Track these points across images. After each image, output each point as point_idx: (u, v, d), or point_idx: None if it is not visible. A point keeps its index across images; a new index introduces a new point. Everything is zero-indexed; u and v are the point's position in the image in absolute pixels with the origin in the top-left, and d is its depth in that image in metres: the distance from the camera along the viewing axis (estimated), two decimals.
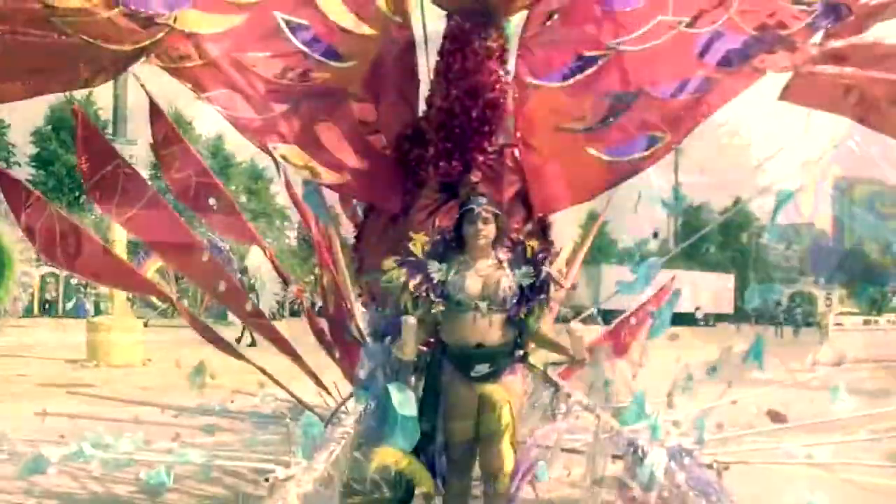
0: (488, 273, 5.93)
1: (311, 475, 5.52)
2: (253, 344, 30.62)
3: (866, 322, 38.28)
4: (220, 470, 8.81)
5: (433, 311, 5.89)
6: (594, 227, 11.85)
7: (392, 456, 5.67)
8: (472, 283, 5.88)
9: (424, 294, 5.87)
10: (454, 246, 6.07)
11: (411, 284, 5.89)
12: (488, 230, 5.94)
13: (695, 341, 8.80)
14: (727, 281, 76.30)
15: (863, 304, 55.34)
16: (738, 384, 8.95)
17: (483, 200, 6.00)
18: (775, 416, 8.43)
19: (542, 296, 5.97)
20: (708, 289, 55.24)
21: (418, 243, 6.07)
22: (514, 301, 5.91)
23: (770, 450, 7.91)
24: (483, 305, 5.86)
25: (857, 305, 56.94)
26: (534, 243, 6.15)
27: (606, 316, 11.22)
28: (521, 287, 5.94)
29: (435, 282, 5.92)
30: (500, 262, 6.01)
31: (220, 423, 9.43)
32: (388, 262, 6.07)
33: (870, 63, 7.04)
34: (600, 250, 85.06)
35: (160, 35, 6.48)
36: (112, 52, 6.43)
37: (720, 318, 66.24)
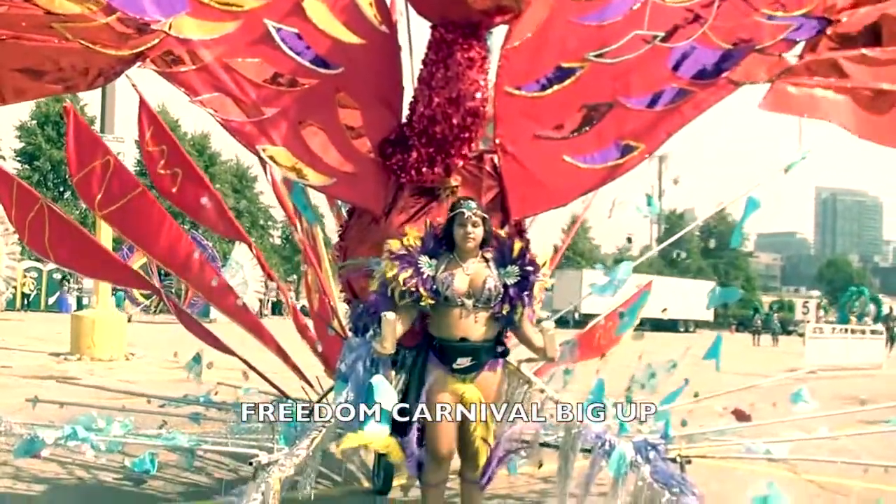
0: (475, 272, 6.22)
1: (292, 461, 5.81)
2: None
3: (844, 331, 38.39)
4: (201, 460, 9.08)
5: (422, 304, 6.15)
6: (572, 231, 12.15)
7: (370, 438, 5.91)
8: (460, 281, 6.16)
9: (414, 287, 6.14)
10: (443, 244, 6.37)
11: (402, 277, 6.15)
12: (476, 233, 6.24)
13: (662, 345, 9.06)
14: (708, 288, 76.30)
15: (842, 313, 55.57)
16: (705, 386, 9.24)
17: (473, 205, 6.29)
18: (740, 415, 8.72)
19: (526, 294, 6.25)
20: (688, 296, 55.38)
21: (411, 238, 6.36)
22: (499, 299, 6.20)
23: (732, 446, 8.19)
24: (469, 303, 6.15)
25: (837, 314, 57.15)
26: (520, 243, 6.44)
27: (586, 320, 11.50)
28: (504, 285, 6.23)
29: (425, 276, 6.19)
30: (486, 260, 6.31)
31: (205, 413, 9.66)
32: (391, 245, 6.34)
33: (852, 72, 7.30)
34: (583, 255, 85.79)
35: (155, 41, 6.74)
36: (109, 57, 6.69)
37: (700, 325, 66.52)
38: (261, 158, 7.09)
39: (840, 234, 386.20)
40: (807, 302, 76.51)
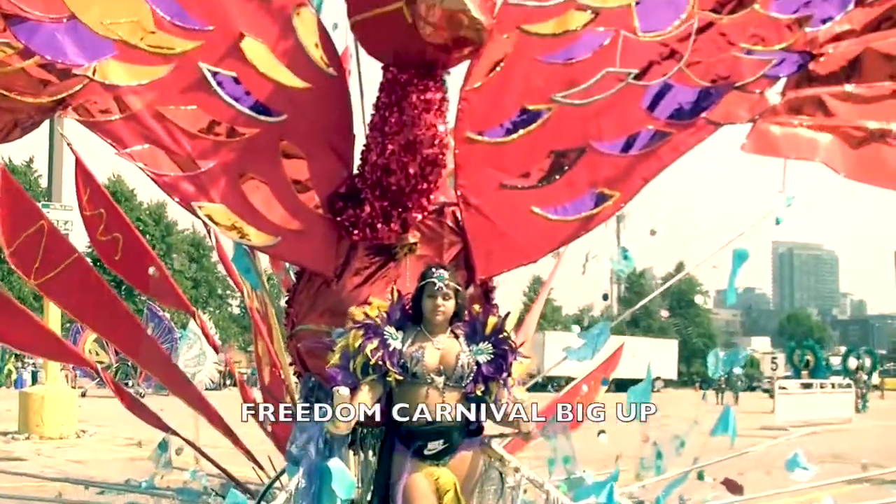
0: (446, 347, 5.70)
1: None
2: None
3: (806, 386, 38.36)
4: None
5: (388, 379, 5.59)
6: (542, 291, 11.56)
7: None
8: (430, 356, 5.63)
9: (381, 361, 5.56)
10: (410, 316, 5.83)
11: (368, 349, 5.56)
12: (447, 306, 5.72)
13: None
14: (671, 347, 76.62)
15: (794, 368, 55.84)
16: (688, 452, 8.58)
17: (445, 275, 5.76)
18: (732, 487, 8.04)
19: (503, 374, 5.72)
20: (652, 355, 55.12)
21: (375, 308, 5.77)
22: (471, 378, 5.65)
23: None
24: (439, 380, 5.61)
25: (795, 369, 57.31)
26: (494, 319, 5.89)
27: (551, 382, 10.98)
28: (477, 363, 5.67)
29: (392, 349, 5.63)
30: (457, 336, 5.78)
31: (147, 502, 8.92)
32: (354, 314, 5.77)
33: (838, 109, 6.79)
34: (544, 317, 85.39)
35: (78, 87, 6.08)
36: (27, 105, 6.08)
37: (667, 383, 66.46)
38: (198, 216, 6.41)
39: (798, 287, 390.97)
40: (775, 357, 76.01)
